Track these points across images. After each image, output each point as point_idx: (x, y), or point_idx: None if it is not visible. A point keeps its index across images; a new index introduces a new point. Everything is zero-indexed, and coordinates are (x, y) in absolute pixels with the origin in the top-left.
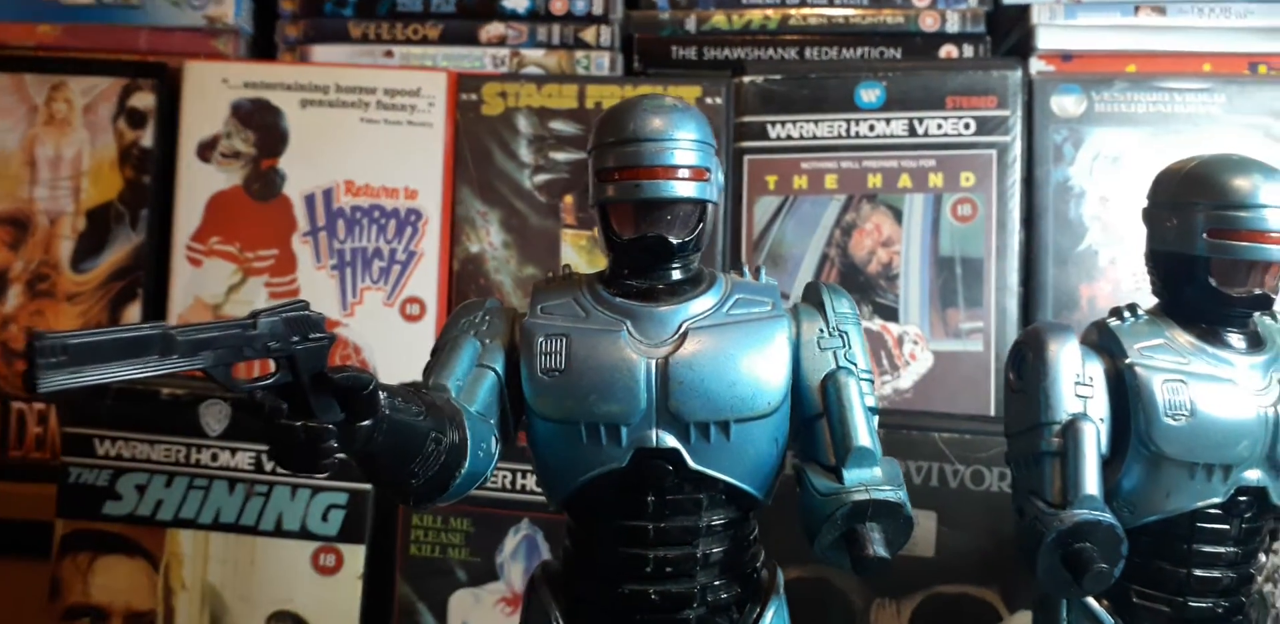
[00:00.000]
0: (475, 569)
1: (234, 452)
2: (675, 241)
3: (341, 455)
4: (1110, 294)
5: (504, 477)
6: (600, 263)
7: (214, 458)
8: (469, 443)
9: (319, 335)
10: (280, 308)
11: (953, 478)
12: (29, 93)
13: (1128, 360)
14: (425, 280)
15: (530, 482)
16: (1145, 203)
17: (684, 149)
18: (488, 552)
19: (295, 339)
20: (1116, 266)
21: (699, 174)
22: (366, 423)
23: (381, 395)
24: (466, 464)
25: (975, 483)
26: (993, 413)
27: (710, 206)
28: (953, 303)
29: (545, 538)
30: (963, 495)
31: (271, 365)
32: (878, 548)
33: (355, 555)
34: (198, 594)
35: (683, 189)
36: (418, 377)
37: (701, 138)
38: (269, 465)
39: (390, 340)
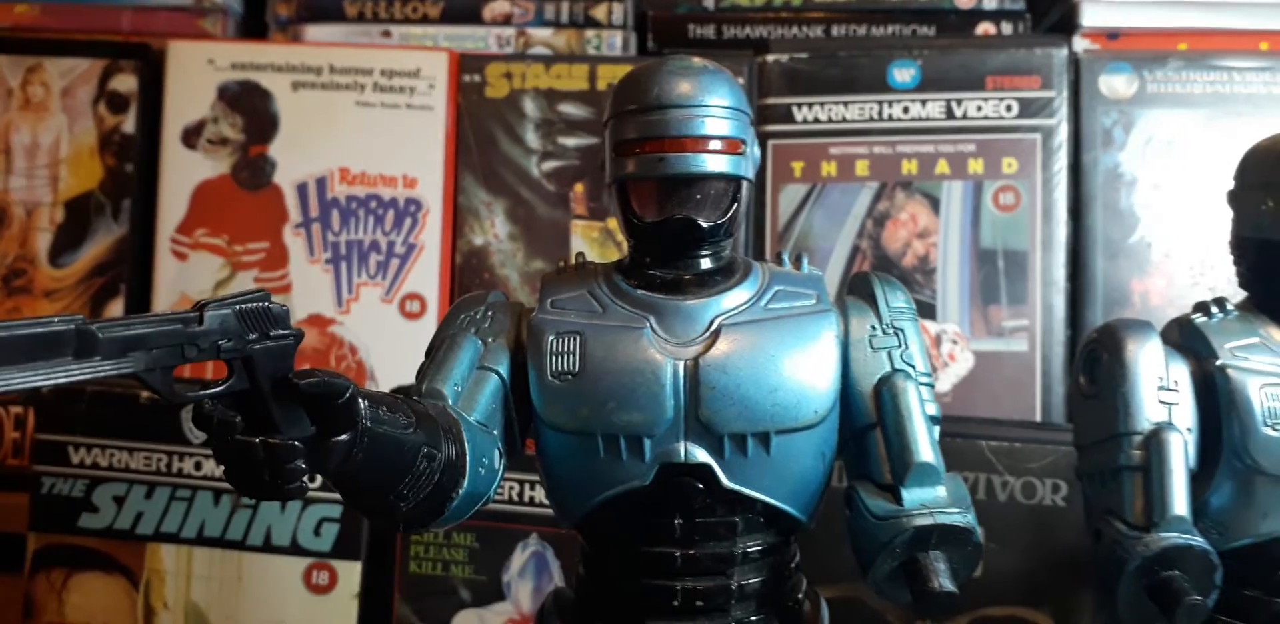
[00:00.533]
0: (480, 588)
1: None
2: (705, 224)
3: (313, 478)
4: (1164, 289)
5: (511, 488)
6: (613, 256)
7: (198, 467)
8: (468, 458)
9: (282, 332)
10: (233, 298)
11: (1001, 490)
12: (3, 75)
13: (1219, 362)
14: (426, 275)
15: (540, 493)
16: (1232, 184)
17: (716, 117)
18: (493, 569)
19: (252, 337)
20: (1171, 260)
21: (733, 146)
22: (343, 437)
23: (361, 404)
24: (465, 483)
25: (1026, 496)
26: (1038, 418)
27: (745, 184)
28: (994, 299)
29: (556, 555)
30: (1012, 509)
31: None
32: (944, 581)
33: (350, 573)
34: (180, 614)
35: (714, 163)
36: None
37: (735, 104)
38: None
39: (388, 339)
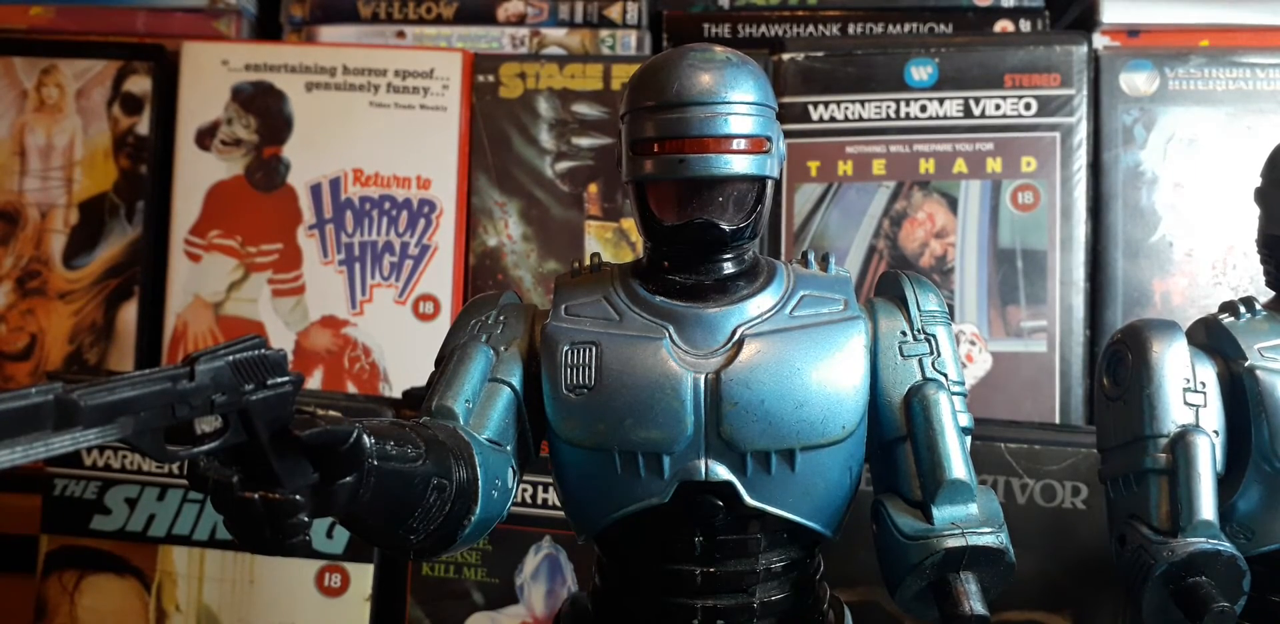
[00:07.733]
0: (493, 591)
1: None
2: (728, 228)
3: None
4: (1186, 289)
5: (524, 490)
6: (628, 257)
7: None
8: (479, 485)
9: (280, 380)
10: (226, 349)
11: (1020, 493)
12: (18, 77)
13: (1247, 363)
14: (439, 276)
15: (553, 495)
16: (1260, 182)
17: (740, 114)
18: (506, 572)
19: (249, 388)
20: (1193, 259)
21: (757, 145)
22: (348, 480)
23: (367, 443)
24: (478, 510)
25: (1046, 499)
26: (1057, 420)
27: (770, 183)
28: (1013, 299)
29: (569, 558)
30: (1031, 512)
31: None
32: (975, 603)
33: (363, 575)
34: (193, 616)
35: (738, 164)
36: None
37: (761, 99)
38: None
39: (402, 341)
